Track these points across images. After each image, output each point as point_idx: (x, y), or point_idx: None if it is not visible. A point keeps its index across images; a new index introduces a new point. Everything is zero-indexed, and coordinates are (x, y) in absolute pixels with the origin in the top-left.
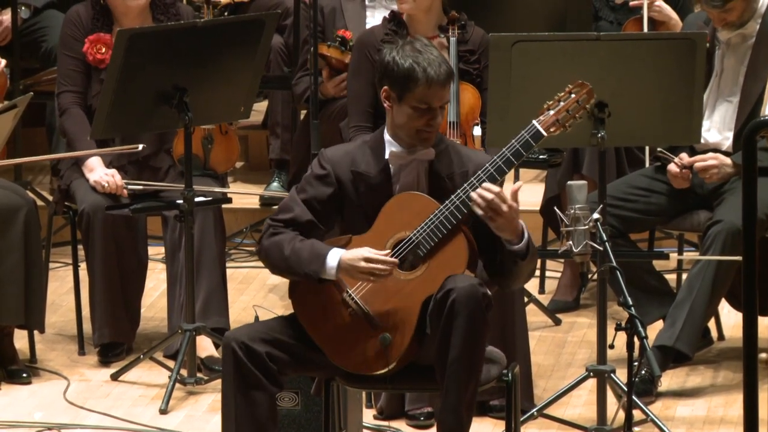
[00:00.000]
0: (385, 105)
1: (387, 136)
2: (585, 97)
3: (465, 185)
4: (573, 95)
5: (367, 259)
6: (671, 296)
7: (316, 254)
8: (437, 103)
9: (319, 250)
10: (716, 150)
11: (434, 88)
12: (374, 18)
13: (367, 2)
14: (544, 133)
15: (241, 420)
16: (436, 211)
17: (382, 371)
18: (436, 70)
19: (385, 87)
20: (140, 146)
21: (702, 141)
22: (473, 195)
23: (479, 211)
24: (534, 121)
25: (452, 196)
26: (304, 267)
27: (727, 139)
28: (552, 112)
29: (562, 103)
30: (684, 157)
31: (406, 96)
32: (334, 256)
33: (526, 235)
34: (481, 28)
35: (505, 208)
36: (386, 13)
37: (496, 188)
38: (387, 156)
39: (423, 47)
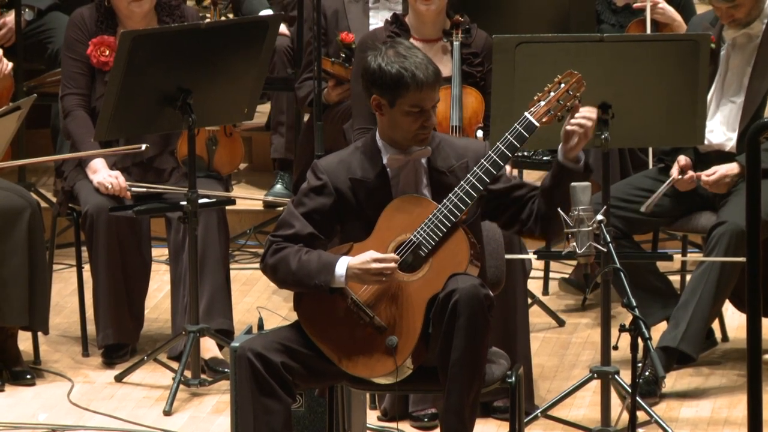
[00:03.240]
0: (376, 113)
1: (380, 142)
2: (575, 86)
3: (462, 182)
4: (563, 85)
5: (377, 260)
6: (675, 297)
7: (324, 264)
8: (429, 104)
9: (326, 260)
10: (720, 151)
11: (425, 91)
12: (377, 19)
13: (370, 3)
14: (537, 124)
15: (259, 428)
16: (435, 211)
17: (389, 379)
18: (424, 72)
19: (375, 95)
20: (143, 146)
21: (705, 142)
22: (579, 124)
23: (578, 129)
24: (526, 113)
25: (450, 194)
26: (313, 279)
27: (730, 140)
28: (543, 103)
29: (552, 94)
30: (681, 160)
31: (398, 102)
32: (342, 264)
33: (582, 155)
34: (484, 32)
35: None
36: (389, 15)
37: (592, 115)
38: (385, 161)
39: (406, 50)
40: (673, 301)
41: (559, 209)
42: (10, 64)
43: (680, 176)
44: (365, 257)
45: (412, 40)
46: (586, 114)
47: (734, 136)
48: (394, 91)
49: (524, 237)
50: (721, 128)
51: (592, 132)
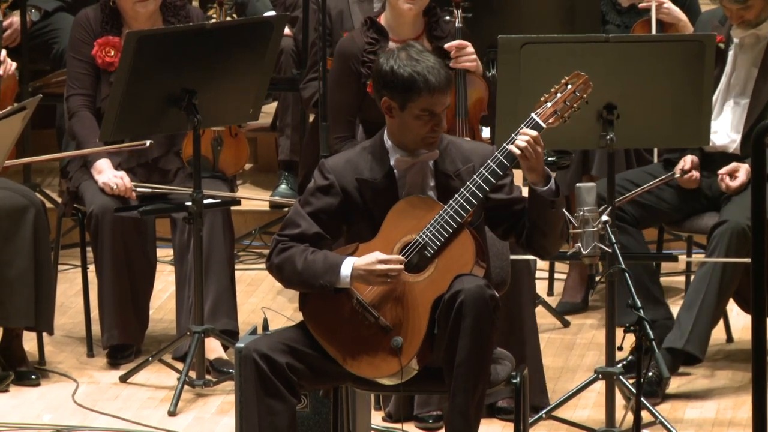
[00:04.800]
0: (386, 115)
1: (389, 143)
2: (582, 87)
3: (468, 183)
4: (570, 86)
5: (382, 261)
6: (661, 306)
7: (330, 265)
8: (440, 108)
9: (332, 260)
10: (724, 152)
11: (436, 96)
12: None
13: (375, 3)
14: (543, 125)
15: (264, 428)
16: (441, 212)
17: (394, 380)
18: (436, 77)
19: (385, 97)
20: (147, 142)
21: (710, 143)
22: (516, 144)
23: (518, 151)
24: (533, 114)
25: (456, 195)
26: (318, 279)
27: (734, 142)
28: (550, 104)
29: (559, 95)
30: (687, 161)
31: (409, 105)
32: (348, 265)
33: (552, 177)
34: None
35: (539, 148)
36: (373, 15)
37: (532, 133)
38: (392, 162)
39: (419, 54)
40: (660, 308)
41: (564, 210)
42: (14, 65)
43: (680, 175)
44: (371, 258)
45: (391, 42)
46: (522, 137)
47: (738, 137)
48: (405, 95)
49: (518, 246)
50: (725, 129)
51: (537, 153)
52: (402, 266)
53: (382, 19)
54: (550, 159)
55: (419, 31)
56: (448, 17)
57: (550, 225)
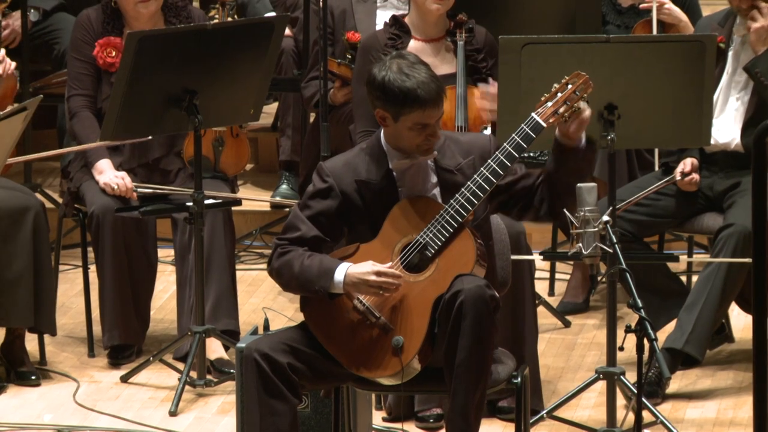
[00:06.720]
0: (381, 124)
1: (386, 146)
2: (582, 87)
3: (468, 183)
4: (570, 86)
5: (377, 273)
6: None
7: (324, 270)
8: (433, 120)
9: (327, 265)
10: (725, 151)
11: (428, 110)
12: (385, 19)
13: (378, 3)
14: (544, 124)
15: (265, 429)
16: (441, 211)
17: (395, 380)
18: (427, 91)
19: (378, 108)
20: (149, 137)
21: (712, 141)
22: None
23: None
24: (533, 114)
25: (457, 195)
26: (313, 284)
27: (735, 139)
28: (550, 104)
29: (559, 95)
30: (687, 163)
31: (401, 118)
32: (341, 271)
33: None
34: (482, 27)
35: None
36: (398, 14)
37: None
38: (391, 165)
39: (410, 67)
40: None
41: (565, 210)
42: (13, 64)
43: (680, 178)
44: (365, 268)
45: (413, 40)
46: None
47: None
48: (397, 109)
49: (539, 222)
50: (728, 127)
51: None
52: (399, 282)
53: (407, 19)
54: None
55: (443, 32)
56: (449, 39)
57: (581, 174)
